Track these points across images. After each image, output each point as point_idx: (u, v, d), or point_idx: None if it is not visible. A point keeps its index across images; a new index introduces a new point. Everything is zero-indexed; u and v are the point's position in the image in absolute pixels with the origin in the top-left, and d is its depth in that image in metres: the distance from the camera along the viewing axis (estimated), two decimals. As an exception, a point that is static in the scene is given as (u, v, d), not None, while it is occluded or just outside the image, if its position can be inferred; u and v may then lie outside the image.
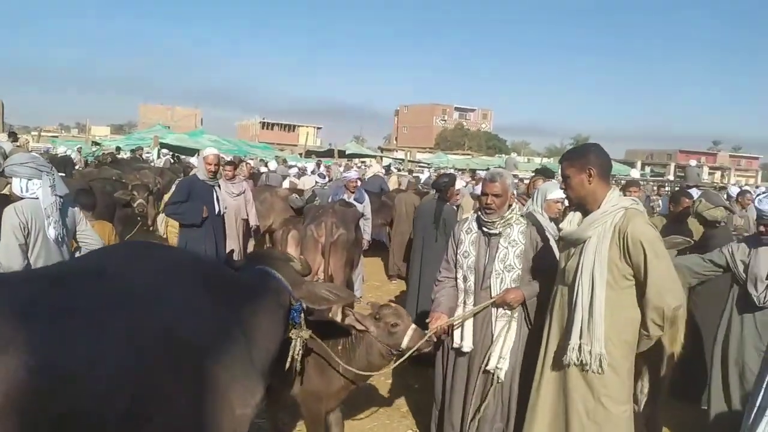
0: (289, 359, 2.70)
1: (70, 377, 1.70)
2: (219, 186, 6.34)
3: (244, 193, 7.17)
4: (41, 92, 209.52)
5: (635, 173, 22.35)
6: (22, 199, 3.73)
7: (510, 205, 3.37)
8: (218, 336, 2.09)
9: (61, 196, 3.85)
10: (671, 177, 28.73)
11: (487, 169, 26.06)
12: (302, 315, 2.64)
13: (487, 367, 3.32)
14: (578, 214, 2.97)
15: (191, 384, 1.95)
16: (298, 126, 68.36)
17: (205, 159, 6.17)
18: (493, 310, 3.34)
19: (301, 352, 2.73)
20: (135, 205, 9.49)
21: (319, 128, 70.25)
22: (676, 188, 17.67)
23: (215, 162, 6.14)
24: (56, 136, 37.40)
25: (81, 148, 21.76)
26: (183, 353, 1.96)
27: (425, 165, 32.77)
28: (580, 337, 2.79)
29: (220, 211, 6.19)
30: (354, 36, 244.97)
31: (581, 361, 2.79)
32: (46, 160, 4.14)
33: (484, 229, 3.39)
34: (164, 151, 22.46)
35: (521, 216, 3.40)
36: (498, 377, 3.31)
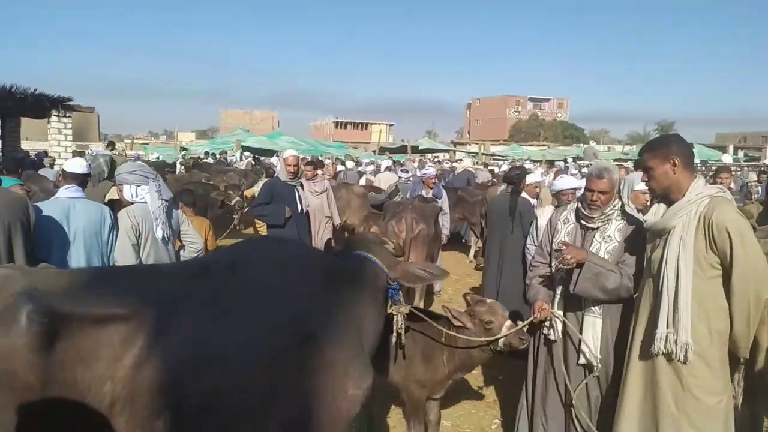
0: (394, 334, 2.85)
1: (219, 358, 1.94)
2: (302, 186, 6.60)
3: (326, 191, 7.37)
4: (130, 103, 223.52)
5: (727, 158, 21.04)
6: (132, 204, 4.14)
7: (616, 200, 3.32)
8: (335, 322, 2.28)
9: (166, 200, 4.23)
10: (767, 161, 26.77)
11: (564, 159, 25.33)
12: (399, 292, 2.78)
13: (579, 362, 3.34)
14: (662, 206, 2.94)
15: (313, 366, 2.14)
16: (371, 124, 69.16)
17: (285, 161, 6.44)
18: (588, 301, 3.30)
19: (403, 326, 2.87)
20: (233, 202, 10.27)
21: (391, 125, 70.89)
22: (775, 172, 16.49)
23: (294, 163, 6.39)
24: (147, 143, 39.84)
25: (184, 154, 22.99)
26: (307, 338, 2.17)
27: (500, 157, 32.29)
28: (667, 327, 2.77)
29: (302, 209, 6.44)
30: (422, 30, 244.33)
31: (668, 350, 2.77)
32: (151, 168, 4.56)
33: (582, 222, 3.38)
34: (246, 153, 23.44)
35: (622, 212, 3.32)
36: (591, 370, 3.31)
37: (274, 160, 17.39)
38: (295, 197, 6.31)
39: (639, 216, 3.61)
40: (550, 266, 3.52)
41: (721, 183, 6.23)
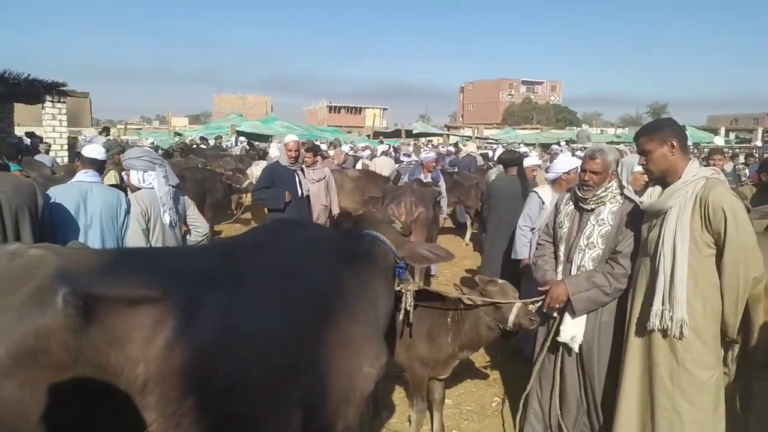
0: (402, 312, 2.93)
1: (246, 337, 2.02)
2: (302, 171, 6.64)
3: (325, 178, 7.37)
4: (121, 88, 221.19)
5: (719, 140, 21.11)
6: (139, 189, 4.19)
7: (610, 182, 3.35)
8: (353, 301, 2.37)
9: (173, 186, 4.28)
10: (759, 143, 26.94)
11: (558, 142, 25.34)
12: (406, 271, 2.87)
13: (558, 338, 3.42)
14: (657, 188, 3.04)
15: (332, 344, 2.23)
16: (364, 108, 68.86)
17: (286, 146, 6.47)
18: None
19: (412, 303, 2.95)
20: (244, 185, 10.70)
21: (384, 109, 70.58)
22: (766, 155, 16.63)
23: (295, 148, 6.42)
24: (140, 129, 39.54)
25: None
26: (327, 317, 2.26)
27: (493, 141, 32.30)
28: (662, 304, 2.88)
29: (302, 194, 6.49)
30: (415, 14, 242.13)
31: (663, 327, 2.88)
32: (158, 154, 4.61)
33: (579, 203, 3.45)
34: (240, 138, 23.39)
35: (619, 195, 3.35)
36: (572, 349, 3.39)
37: (274, 146, 17.35)
38: (295, 182, 6.35)
39: (636, 198, 3.67)
40: (554, 245, 3.61)
41: (714, 165, 6.31)
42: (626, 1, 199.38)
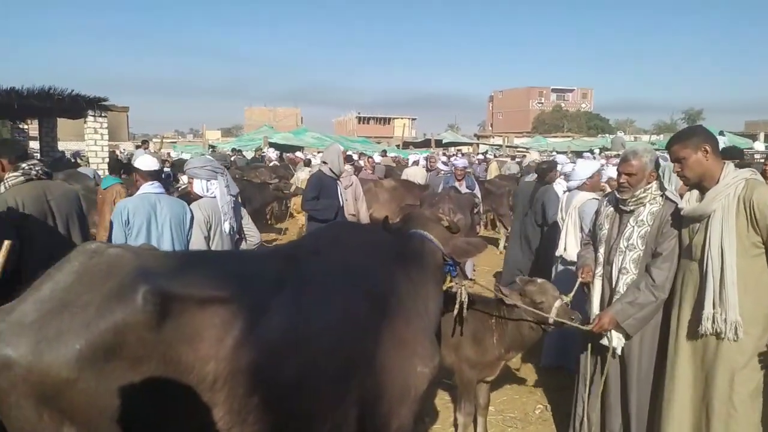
0: (457, 305, 2.96)
1: (310, 337, 2.09)
2: (340, 180, 6.70)
3: (352, 185, 7.30)
4: (155, 102, 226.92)
5: (759, 146, 20.63)
6: (202, 198, 4.36)
7: (649, 183, 3.34)
8: (407, 301, 2.43)
9: (233, 195, 4.43)
10: (801, 148, 26.13)
11: (590, 150, 25.05)
12: (458, 267, 2.89)
13: (603, 342, 3.40)
14: (695, 192, 3.06)
15: (388, 344, 2.29)
16: (393, 119, 69.13)
17: (343, 153, 6.49)
18: (620, 285, 3.36)
19: (467, 298, 2.98)
20: (292, 190, 11.58)
21: (413, 119, 70.76)
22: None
23: (344, 156, 6.47)
24: (175, 142, 40.44)
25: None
26: (384, 318, 2.32)
27: (524, 149, 32.10)
28: (714, 307, 2.86)
29: (342, 203, 6.55)
30: (443, 23, 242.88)
31: (716, 330, 2.86)
32: (220, 163, 4.77)
33: (619, 205, 3.45)
34: (270, 149, 23.75)
35: (660, 196, 3.33)
36: (615, 353, 3.37)
37: (318, 156, 17.71)
38: (338, 191, 6.38)
39: (678, 200, 3.61)
40: (594, 248, 3.62)
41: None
42: (658, 5, 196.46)
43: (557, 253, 5.22)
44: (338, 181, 6.46)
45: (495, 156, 26.11)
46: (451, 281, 2.91)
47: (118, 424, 1.71)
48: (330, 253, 2.41)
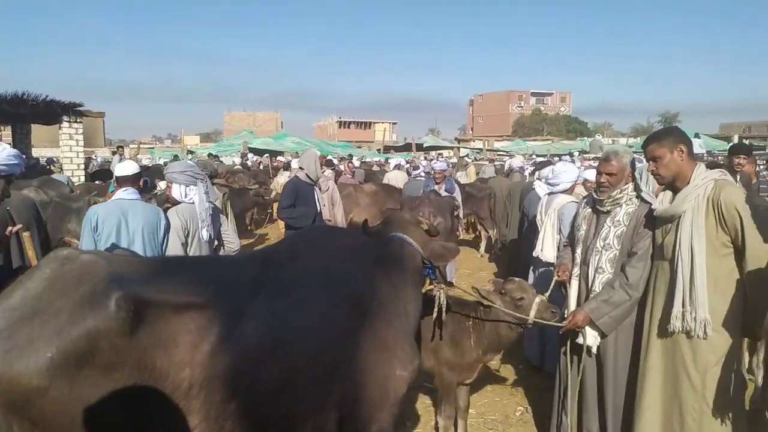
0: (435, 311, 2.96)
1: (288, 342, 2.08)
2: (319, 186, 6.58)
3: (329, 191, 7.22)
4: (132, 107, 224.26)
5: (733, 148, 20.98)
6: (180, 203, 4.29)
7: (626, 184, 3.40)
8: (387, 305, 2.43)
9: (212, 202, 4.38)
10: (774, 149, 26.72)
11: (569, 153, 25.35)
12: (437, 271, 2.89)
13: (578, 341, 3.44)
14: (668, 193, 3.13)
15: (368, 347, 2.28)
16: (374, 123, 69.15)
17: (320, 158, 6.42)
18: (596, 284, 3.40)
19: (445, 301, 2.99)
20: (272, 196, 11.73)
21: (394, 123, 70.84)
22: (781, 161, 16.47)
23: (322, 161, 6.41)
24: (152, 148, 39.99)
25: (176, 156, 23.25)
26: (364, 321, 2.31)
27: (504, 153, 32.34)
28: (683, 306, 2.92)
29: (320, 209, 6.41)
30: (423, 28, 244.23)
31: (686, 328, 2.91)
32: (198, 168, 4.69)
33: (596, 206, 3.50)
34: (250, 155, 23.60)
35: (635, 197, 3.39)
36: (591, 352, 3.40)
37: (295, 162, 17.67)
38: (314, 197, 6.29)
39: (653, 200, 3.67)
40: (572, 249, 3.68)
41: (738, 164, 6.28)
42: (635, 9, 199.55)
43: (534, 254, 5.28)
44: (315, 187, 6.37)
45: (474, 159, 26.23)
46: (430, 284, 2.92)
47: (91, 433, 1.68)
48: (308, 256, 2.40)
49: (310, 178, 6.19)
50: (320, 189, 6.65)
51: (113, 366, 1.71)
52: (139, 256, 2.52)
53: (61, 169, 13.11)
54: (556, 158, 19.84)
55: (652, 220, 3.24)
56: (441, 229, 6.33)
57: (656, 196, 3.43)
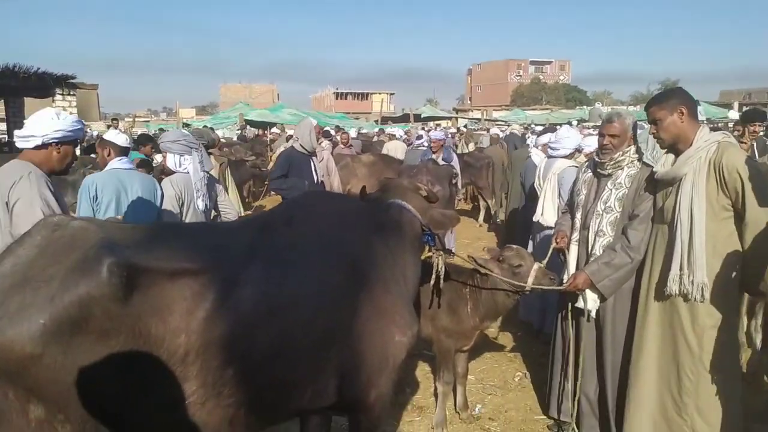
0: (433, 276, 2.94)
1: (284, 307, 2.06)
2: (315, 155, 6.49)
3: (323, 161, 7.03)
4: (127, 80, 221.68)
5: (734, 114, 20.86)
6: (175, 173, 4.25)
7: (628, 146, 3.37)
8: (385, 270, 2.41)
9: (207, 172, 4.33)
10: (775, 116, 26.54)
11: (569, 122, 25.28)
12: (436, 237, 2.86)
13: (578, 305, 3.44)
14: (671, 156, 3.08)
15: (366, 312, 2.26)
16: (371, 93, 68.54)
17: (315, 128, 6.22)
18: (596, 248, 3.38)
19: (443, 268, 2.96)
20: (269, 168, 11.16)
21: (392, 94, 70.28)
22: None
23: (318, 131, 6.26)
24: (148, 121, 39.64)
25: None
26: (361, 287, 2.29)
27: (502, 122, 32.10)
28: (681, 269, 2.91)
29: (318, 180, 6.26)
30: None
31: (683, 291, 2.91)
32: (195, 138, 4.64)
33: (597, 169, 3.47)
34: (248, 127, 23.38)
35: (637, 160, 3.36)
36: (590, 316, 3.41)
37: (290, 132, 17.48)
38: (311, 168, 6.13)
39: (653, 163, 3.63)
40: (571, 214, 3.66)
41: (754, 131, 6.25)
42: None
43: (534, 218, 5.27)
44: (312, 158, 6.21)
45: (466, 129, 25.97)
46: (429, 251, 2.90)
47: (87, 400, 1.67)
48: (304, 222, 2.36)
49: (305, 149, 6.05)
50: (317, 158, 6.51)
51: (107, 333, 1.69)
52: (130, 223, 2.48)
53: None
54: (558, 127, 19.63)
55: (653, 184, 3.21)
56: (439, 196, 6.33)
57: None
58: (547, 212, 5.14)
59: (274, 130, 21.12)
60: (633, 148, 3.40)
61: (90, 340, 1.67)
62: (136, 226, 2.12)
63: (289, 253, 2.18)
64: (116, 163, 4.12)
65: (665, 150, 3.19)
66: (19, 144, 2.96)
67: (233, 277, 1.96)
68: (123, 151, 4.27)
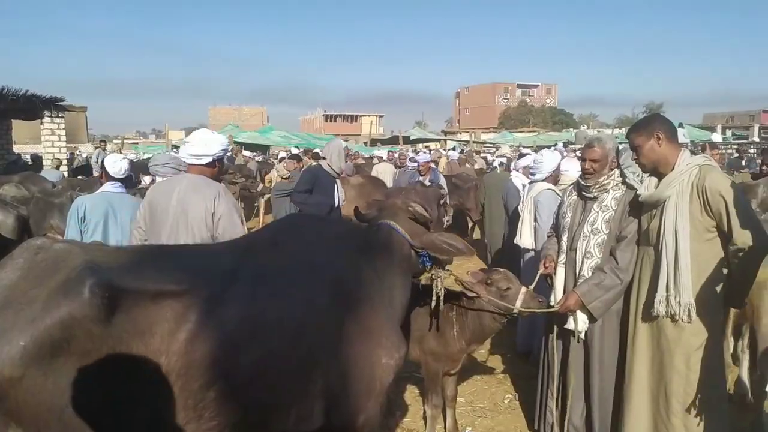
0: (434, 299, 2.91)
1: (267, 330, 2.04)
2: (339, 179, 6.17)
3: None
4: (115, 102, 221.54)
5: (716, 137, 21.25)
6: None
7: (612, 170, 3.40)
8: (371, 293, 2.38)
9: None
10: (756, 138, 27.06)
11: (555, 144, 25.53)
12: (430, 258, 2.80)
13: (566, 326, 3.44)
14: (653, 179, 3.13)
15: (351, 335, 2.24)
16: (360, 116, 68.98)
17: (345, 150, 6.02)
18: (584, 269, 3.39)
19: (443, 290, 2.93)
20: (259, 189, 12.02)
21: (380, 116, 70.82)
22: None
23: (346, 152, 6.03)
24: (136, 143, 39.56)
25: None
26: (346, 309, 2.27)
27: (491, 145, 32.37)
28: (667, 290, 2.93)
29: (340, 203, 6.10)
30: (409, 20, 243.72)
31: (670, 312, 2.92)
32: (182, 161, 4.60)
33: (583, 192, 3.50)
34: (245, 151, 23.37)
35: (622, 183, 3.40)
36: (579, 337, 3.40)
37: (318, 151, 17.48)
38: (334, 189, 5.99)
39: (639, 186, 3.66)
40: (557, 237, 3.67)
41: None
42: (620, 1, 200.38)
43: (515, 241, 5.33)
44: (337, 180, 6.04)
45: (461, 151, 26.16)
46: (429, 272, 2.88)
47: (67, 422, 1.63)
48: (288, 243, 2.36)
49: (334, 170, 5.92)
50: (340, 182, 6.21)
51: (88, 354, 1.67)
52: (114, 245, 2.47)
53: (58, 166, 12.88)
54: (545, 149, 19.79)
55: (638, 206, 3.25)
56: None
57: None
58: (524, 235, 5.21)
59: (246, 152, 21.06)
60: (617, 171, 3.44)
61: (71, 362, 1.65)
62: (119, 248, 2.11)
63: (273, 274, 2.16)
64: (108, 186, 4.19)
65: (648, 174, 3.24)
66: (190, 161, 3.31)
67: (215, 298, 1.94)
68: (119, 179, 4.25)
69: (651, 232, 3.09)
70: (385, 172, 12.37)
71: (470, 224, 11.51)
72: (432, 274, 2.91)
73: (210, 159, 3.27)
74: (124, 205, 4.02)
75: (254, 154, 22.64)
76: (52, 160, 13.14)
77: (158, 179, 4.29)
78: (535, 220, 5.12)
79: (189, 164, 3.35)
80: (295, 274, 2.22)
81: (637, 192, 3.22)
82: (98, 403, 1.70)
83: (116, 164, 4.27)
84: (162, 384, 1.79)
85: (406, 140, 31.52)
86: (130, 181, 4.79)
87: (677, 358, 2.95)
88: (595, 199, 3.43)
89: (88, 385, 1.67)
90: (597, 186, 3.40)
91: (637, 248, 3.22)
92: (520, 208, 5.54)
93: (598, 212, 3.40)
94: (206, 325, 1.87)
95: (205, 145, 3.26)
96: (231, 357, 1.93)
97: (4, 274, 1.72)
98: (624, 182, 3.43)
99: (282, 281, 2.16)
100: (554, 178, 5.24)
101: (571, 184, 3.79)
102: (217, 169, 3.38)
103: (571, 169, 4.95)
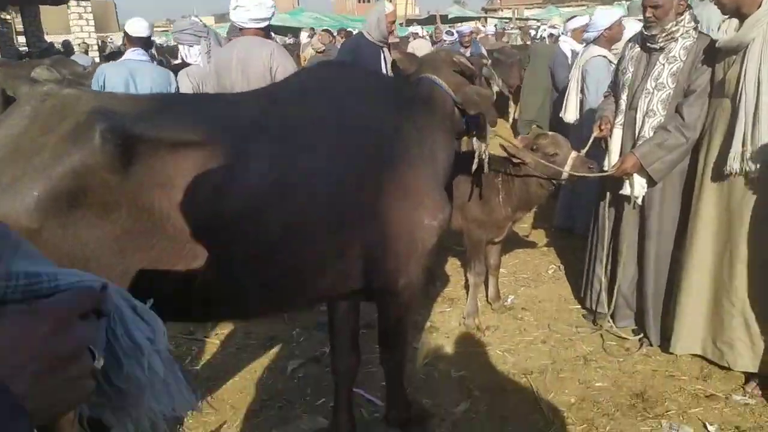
0: (476, 161, 2.69)
1: (298, 184, 1.87)
2: (389, 47, 5.39)
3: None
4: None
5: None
6: (189, 64, 4.13)
7: (680, 15, 2.99)
8: (412, 151, 2.18)
9: None
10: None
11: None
12: (479, 120, 2.58)
13: (622, 192, 3.21)
14: (734, 21, 2.74)
15: (390, 193, 2.07)
16: (395, -5, 65.31)
17: (386, 15, 5.13)
18: (645, 129, 3.09)
19: (487, 154, 2.73)
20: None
21: (416, -5, 66.86)
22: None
23: (393, 19, 5.25)
24: (166, 30, 38.73)
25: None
26: (384, 166, 2.08)
27: (536, 21, 30.40)
28: (743, 145, 2.65)
29: (388, 73, 5.22)
30: None
31: (744, 169, 2.65)
32: (203, 25, 4.47)
33: (647, 44, 3.12)
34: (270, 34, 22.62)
35: (693, 29, 3.00)
36: (635, 203, 3.18)
37: (364, 22, 16.71)
38: (380, 60, 5.33)
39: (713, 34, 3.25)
40: (614, 97, 3.35)
41: None
42: None
43: (560, 115, 4.95)
44: (383, 49, 5.33)
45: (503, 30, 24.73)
46: (472, 135, 2.65)
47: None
48: (320, 94, 2.12)
49: (374, 38, 5.22)
50: (389, 50, 5.37)
51: (108, 206, 1.55)
52: (128, 93, 2.34)
53: (86, 51, 12.72)
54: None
55: (713, 55, 2.87)
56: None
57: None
58: (569, 110, 4.80)
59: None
60: (687, 16, 3.01)
61: (90, 214, 1.54)
62: (134, 96, 1.93)
63: (302, 127, 1.96)
64: (130, 54, 4.05)
65: (724, 18, 2.84)
66: (249, 25, 3.47)
67: (240, 152, 1.78)
68: (140, 42, 4.10)
69: (728, 82, 2.74)
70: (421, 47, 11.69)
71: (511, 109, 11.01)
72: (474, 137, 2.67)
73: (265, 24, 3.48)
74: (144, 73, 3.89)
75: (286, 38, 21.86)
76: (80, 44, 12.93)
77: (180, 47, 4.18)
78: (582, 92, 4.72)
79: (242, 29, 3.51)
80: (327, 127, 2.01)
81: (713, 39, 2.83)
82: (121, 259, 1.60)
83: (134, 24, 4.18)
84: (189, 240, 1.68)
85: (444, 19, 29.78)
86: (149, 43, 4.63)
87: (746, 221, 2.73)
88: (661, 50, 3.06)
89: (110, 239, 1.57)
90: (663, 34, 3.01)
91: (709, 101, 2.89)
92: (568, 77, 5.11)
93: (664, 65, 3.04)
94: (230, 179, 1.72)
95: (261, 6, 3.42)
96: (259, 215, 1.79)
97: (11, 121, 1.58)
98: (696, 28, 3.02)
99: (311, 134, 1.96)
100: (611, 38, 4.73)
101: (634, 35, 3.37)
102: (264, 32, 3.53)
103: (634, 30, 4.47)
